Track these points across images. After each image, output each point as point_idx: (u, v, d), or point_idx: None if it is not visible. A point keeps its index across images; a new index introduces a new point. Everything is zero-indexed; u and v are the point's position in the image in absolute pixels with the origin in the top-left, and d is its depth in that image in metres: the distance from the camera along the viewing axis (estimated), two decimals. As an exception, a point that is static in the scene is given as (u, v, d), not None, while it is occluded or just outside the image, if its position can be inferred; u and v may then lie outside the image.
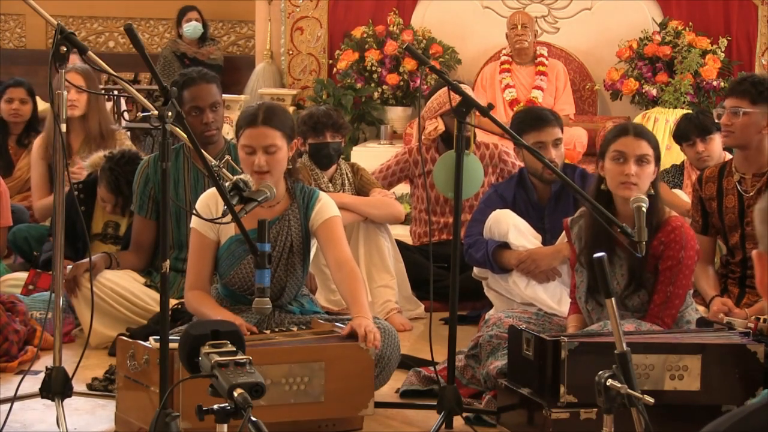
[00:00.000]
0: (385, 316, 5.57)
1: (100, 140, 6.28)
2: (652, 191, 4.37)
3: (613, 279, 4.38)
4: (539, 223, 5.33)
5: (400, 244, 6.08)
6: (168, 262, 3.68)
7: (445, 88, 6.18)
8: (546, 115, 5.35)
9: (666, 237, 4.34)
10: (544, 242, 5.29)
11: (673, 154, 7.39)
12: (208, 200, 4.40)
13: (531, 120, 5.29)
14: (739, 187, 5.04)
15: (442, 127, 6.25)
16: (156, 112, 3.63)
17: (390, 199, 5.90)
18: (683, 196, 5.92)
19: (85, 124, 6.37)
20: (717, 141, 6.01)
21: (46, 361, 4.42)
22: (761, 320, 4.40)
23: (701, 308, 4.78)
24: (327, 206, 4.46)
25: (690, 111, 6.92)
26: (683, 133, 6.15)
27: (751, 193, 5.02)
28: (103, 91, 6.37)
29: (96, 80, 6.40)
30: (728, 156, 5.87)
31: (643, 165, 4.32)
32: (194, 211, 4.32)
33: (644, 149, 4.34)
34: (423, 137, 6.27)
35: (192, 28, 10.25)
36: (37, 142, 6.62)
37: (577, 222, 4.53)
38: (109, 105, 8.17)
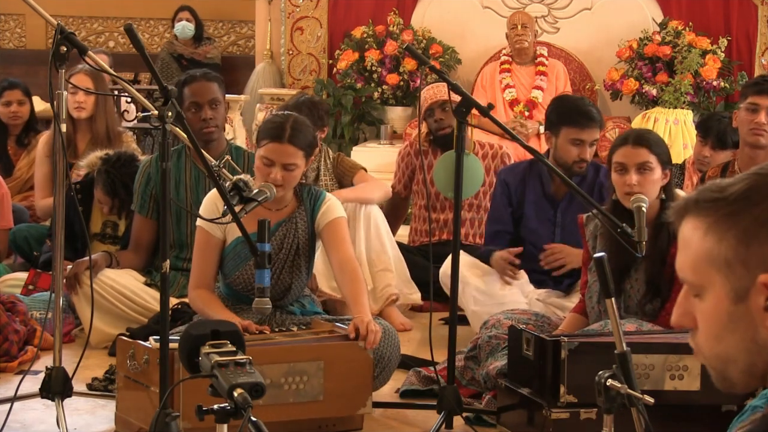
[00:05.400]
0: (384, 302, 5.58)
1: (106, 142, 6.25)
2: (664, 196, 4.36)
3: (628, 283, 4.38)
4: (551, 216, 5.31)
5: (400, 246, 6.08)
6: (168, 262, 3.69)
7: (424, 92, 6.21)
8: (593, 115, 5.18)
9: None
10: (554, 236, 5.29)
11: (673, 154, 7.38)
12: (216, 199, 4.40)
13: (578, 115, 5.14)
14: None
15: (425, 129, 6.26)
16: (156, 112, 3.63)
17: (376, 179, 6.04)
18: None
19: (92, 126, 6.35)
20: (725, 156, 5.97)
21: (46, 361, 4.42)
22: None
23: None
24: (333, 207, 4.48)
25: (725, 114, 6.82)
26: (705, 130, 6.12)
27: None
28: (110, 92, 6.32)
29: (105, 82, 6.37)
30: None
31: (644, 173, 4.30)
32: (194, 212, 4.32)
33: (643, 156, 4.31)
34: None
35: (181, 27, 10.25)
36: (43, 140, 6.60)
37: (592, 219, 4.52)
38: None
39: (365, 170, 6.11)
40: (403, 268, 5.89)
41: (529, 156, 5.28)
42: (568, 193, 5.27)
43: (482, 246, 5.45)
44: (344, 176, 6.02)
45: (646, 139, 4.38)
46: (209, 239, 4.43)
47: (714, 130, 6.06)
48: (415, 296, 5.91)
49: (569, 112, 5.16)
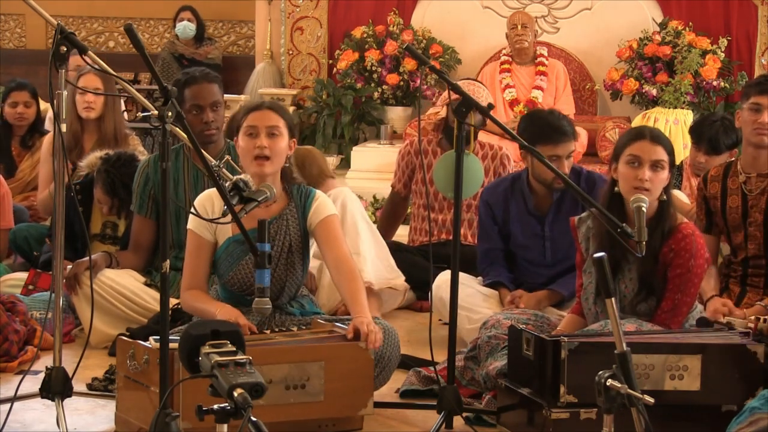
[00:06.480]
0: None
1: (113, 143, 6.25)
2: (664, 197, 4.36)
3: (622, 282, 4.38)
4: (538, 231, 5.28)
5: (400, 246, 6.06)
6: (168, 262, 3.68)
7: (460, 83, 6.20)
8: (564, 129, 5.13)
9: (676, 245, 4.33)
10: (545, 250, 5.27)
11: (672, 155, 7.38)
12: (204, 201, 4.41)
13: (549, 132, 5.09)
14: (744, 187, 5.04)
15: (443, 114, 6.25)
16: (156, 112, 3.63)
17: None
18: (682, 197, 5.91)
19: (100, 126, 6.36)
20: (720, 159, 5.93)
21: (46, 361, 4.42)
22: (761, 320, 4.39)
23: (700, 306, 4.77)
24: (324, 205, 4.47)
25: (719, 114, 6.76)
26: (698, 135, 6.08)
27: (755, 193, 5.02)
28: (117, 93, 6.32)
29: (113, 83, 6.38)
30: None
31: (657, 171, 4.31)
32: (193, 211, 4.32)
33: (660, 155, 4.32)
34: (424, 119, 6.26)
35: (183, 27, 10.24)
36: (48, 139, 6.60)
37: (584, 221, 4.52)
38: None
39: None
40: (385, 252, 5.84)
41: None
42: (553, 206, 5.26)
43: (482, 266, 5.45)
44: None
45: (663, 138, 4.40)
46: (200, 242, 4.42)
47: (706, 136, 6.02)
48: (398, 281, 5.85)
49: (542, 130, 5.10)
